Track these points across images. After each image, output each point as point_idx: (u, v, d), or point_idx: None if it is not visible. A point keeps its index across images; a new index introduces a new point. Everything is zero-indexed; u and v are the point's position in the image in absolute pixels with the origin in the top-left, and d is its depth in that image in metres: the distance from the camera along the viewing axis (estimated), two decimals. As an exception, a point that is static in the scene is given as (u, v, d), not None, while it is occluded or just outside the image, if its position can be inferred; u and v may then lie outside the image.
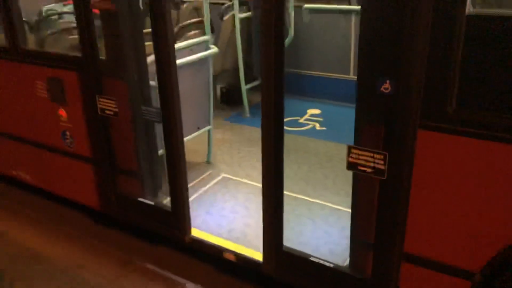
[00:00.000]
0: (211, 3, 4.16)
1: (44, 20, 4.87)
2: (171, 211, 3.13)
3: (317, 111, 5.19)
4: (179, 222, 3.12)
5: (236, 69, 5.01)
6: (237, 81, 5.07)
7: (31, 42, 4.11)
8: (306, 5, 5.20)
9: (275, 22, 2.31)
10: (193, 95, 3.80)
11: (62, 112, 3.47)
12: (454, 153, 2.01)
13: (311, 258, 2.66)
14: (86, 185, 3.56)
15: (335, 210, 3.43)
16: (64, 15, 5.70)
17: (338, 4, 5.23)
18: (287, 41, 4.57)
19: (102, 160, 3.35)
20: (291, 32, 4.42)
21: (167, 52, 2.71)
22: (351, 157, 2.24)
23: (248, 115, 5.14)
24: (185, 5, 5.68)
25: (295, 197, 3.57)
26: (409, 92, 1.98)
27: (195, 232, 3.17)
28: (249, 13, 5.12)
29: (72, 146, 3.53)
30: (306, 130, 4.74)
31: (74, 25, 4.38)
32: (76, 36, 3.84)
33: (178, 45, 3.82)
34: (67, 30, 4.05)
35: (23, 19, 4.57)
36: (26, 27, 4.68)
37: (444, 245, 2.20)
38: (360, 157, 2.21)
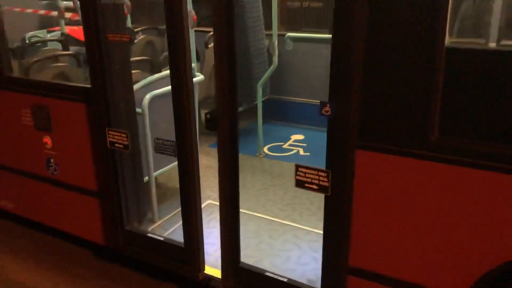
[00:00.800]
0: (196, 31, 4.24)
1: (27, 46, 4.88)
2: (184, 247, 3.05)
3: (300, 137, 5.27)
4: (192, 258, 3.04)
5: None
6: (222, 107, 5.13)
7: (15, 69, 4.12)
8: (289, 34, 5.33)
9: (227, 53, 2.45)
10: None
11: (47, 140, 3.47)
12: (388, 171, 2.16)
13: (266, 273, 2.77)
14: (90, 220, 3.44)
15: (321, 236, 3.45)
16: (48, 43, 5.73)
17: (319, 33, 5.37)
18: (271, 69, 4.66)
19: (109, 194, 3.25)
20: (275, 60, 4.51)
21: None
22: (298, 175, 2.36)
23: (232, 141, 5.18)
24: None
25: (281, 223, 3.60)
26: (346, 115, 2.16)
27: (209, 270, 3.09)
28: (233, 41, 5.22)
29: (55, 173, 3.51)
30: (290, 155, 4.80)
31: (59, 52, 4.42)
32: (62, 64, 3.88)
33: (163, 73, 3.89)
34: (52, 58, 4.07)
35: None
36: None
37: (390, 260, 2.31)
38: (307, 175, 2.33)
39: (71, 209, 3.55)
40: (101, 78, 2.96)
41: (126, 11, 4.26)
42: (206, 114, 5.54)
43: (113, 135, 3.01)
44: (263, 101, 5.21)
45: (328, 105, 2.19)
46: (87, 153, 3.23)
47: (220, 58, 2.47)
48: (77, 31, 5.46)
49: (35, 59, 3.99)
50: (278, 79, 5.47)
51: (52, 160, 3.49)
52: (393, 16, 1.95)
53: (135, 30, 5.51)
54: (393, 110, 2.05)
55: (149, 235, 3.27)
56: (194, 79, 3.87)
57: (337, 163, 2.26)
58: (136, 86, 3.37)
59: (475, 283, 2.08)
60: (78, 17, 5.54)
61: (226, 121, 2.61)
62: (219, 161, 2.72)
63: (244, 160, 4.73)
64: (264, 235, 3.45)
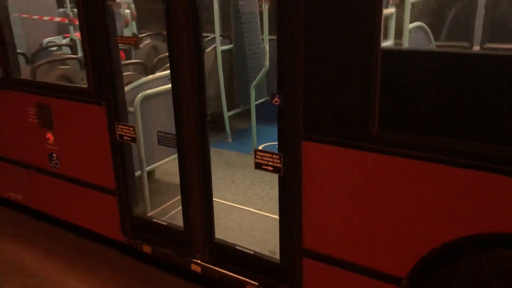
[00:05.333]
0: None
1: (41, 51, 5.25)
2: (183, 231, 3.29)
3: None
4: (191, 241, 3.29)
5: (219, 97, 5.34)
6: (220, 108, 5.40)
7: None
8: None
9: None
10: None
11: (50, 136, 3.80)
12: (333, 161, 2.40)
13: (236, 247, 3.07)
14: (105, 214, 3.69)
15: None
16: (62, 47, 6.13)
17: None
18: (263, 72, 4.91)
19: (120, 184, 3.50)
20: (267, 63, 4.76)
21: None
22: (257, 158, 2.64)
23: (230, 140, 5.45)
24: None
25: (264, 215, 3.83)
26: (291, 108, 2.44)
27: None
28: (230, 46, 5.50)
29: (57, 167, 3.84)
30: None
31: (65, 56, 4.77)
32: (66, 67, 4.22)
33: (161, 73, 4.19)
34: (59, 61, 4.41)
35: (19, 51, 4.98)
36: (23, 59, 5.09)
37: (339, 243, 2.54)
38: (264, 158, 2.62)
39: (91, 206, 3.83)
40: (104, 79, 3.23)
41: (129, 19, 4.57)
42: (207, 115, 5.81)
43: (121, 128, 3.31)
44: (261, 103, 5.47)
45: (277, 96, 2.48)
46: (100, 147, 3.49)
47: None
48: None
49: (39, 62, 4.34)
50: (271, 82, 5.72)
51: (54, 155, 3.83)
52: (332, 21, 2.19)
53: (141, 35, 5.84)
54: (334, 105, 2.30)
55: (154, 220, 3.53)
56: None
57: (287, 149, 2.54)
58: (129, 87, 3.66)
59: (416, 264, 2.29)
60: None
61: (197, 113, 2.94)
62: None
63: (237, 158, 4.99)
64: (246, 225, 3.69)
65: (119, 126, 3.29)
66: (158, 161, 4.09)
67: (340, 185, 2.44)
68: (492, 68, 2.01)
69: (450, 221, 2.17)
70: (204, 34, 5.67)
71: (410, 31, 3.83)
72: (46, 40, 6.57)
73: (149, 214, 3.81)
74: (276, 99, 2.51)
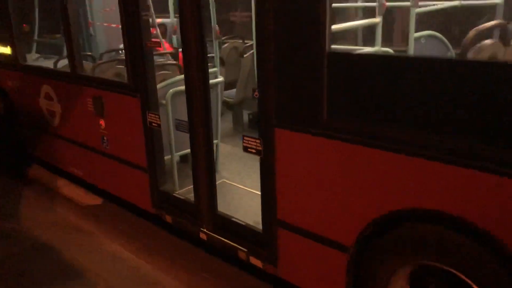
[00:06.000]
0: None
1: (105, 53, 6.22)
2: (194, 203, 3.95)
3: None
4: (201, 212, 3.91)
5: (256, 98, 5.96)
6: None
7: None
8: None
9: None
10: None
11: (102, 122, 4.65)
12: (297, 145, 2.89)
13: (232, 219, 3.67)
14: (140, 188, 4.40)
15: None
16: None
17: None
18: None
19: (150, 165, 4.22)
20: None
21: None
22: (244, 142, 3.18)
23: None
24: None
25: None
26: (267, 101, 2.99)
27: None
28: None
29: (107, 147, 4.68)
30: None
31: (118, 58, 5.64)
32: (121, 66, 5.06)
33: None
34: (116, 61, 5.29)
35: (89, 53, 5.95)
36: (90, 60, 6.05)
37: (302, 214, 3.01)
38: (249, 142, 3.15)
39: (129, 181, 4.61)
40: (139, 75, 3.98)
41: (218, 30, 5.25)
42: (248, 114, 6.45)
43: (150, 116, 4.04)
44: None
45: (256, 90, 3.08)
46: (136, 131, 4.22)
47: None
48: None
49: (98, 62, 5.24)
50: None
51: (105, 138, 4.67)
52: (290, 31, 2.73)
53: (223, 39, 6.64)
54: (295, 98, 2.82)
55: (175, 195, 4.23)
56: (216, 80, 4.82)
57: (265, 135, 3.08)
58: (163, 84, 4.40)
59: (364, 229, 2.70)
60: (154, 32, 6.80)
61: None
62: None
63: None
64: (246, 202, 4.22)
65: (149, 114, 4.02)
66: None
67: (301, 166, 2.94)
68: (414, 69, 2.42)
69: (386, 198, 2.58)
70: (245, 41, 6.42)
71: (420, 38, 4.18)
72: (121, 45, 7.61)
73: (176, 192, 4.50)
74: (256, 93, 3.08)
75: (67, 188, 5.62)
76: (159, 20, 6.16)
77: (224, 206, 3.96)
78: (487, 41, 3.38)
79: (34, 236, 4.54)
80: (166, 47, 5.98)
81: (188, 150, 4.21)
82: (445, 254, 2.41)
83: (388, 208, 2.58)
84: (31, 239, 4.50)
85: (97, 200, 5.26)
